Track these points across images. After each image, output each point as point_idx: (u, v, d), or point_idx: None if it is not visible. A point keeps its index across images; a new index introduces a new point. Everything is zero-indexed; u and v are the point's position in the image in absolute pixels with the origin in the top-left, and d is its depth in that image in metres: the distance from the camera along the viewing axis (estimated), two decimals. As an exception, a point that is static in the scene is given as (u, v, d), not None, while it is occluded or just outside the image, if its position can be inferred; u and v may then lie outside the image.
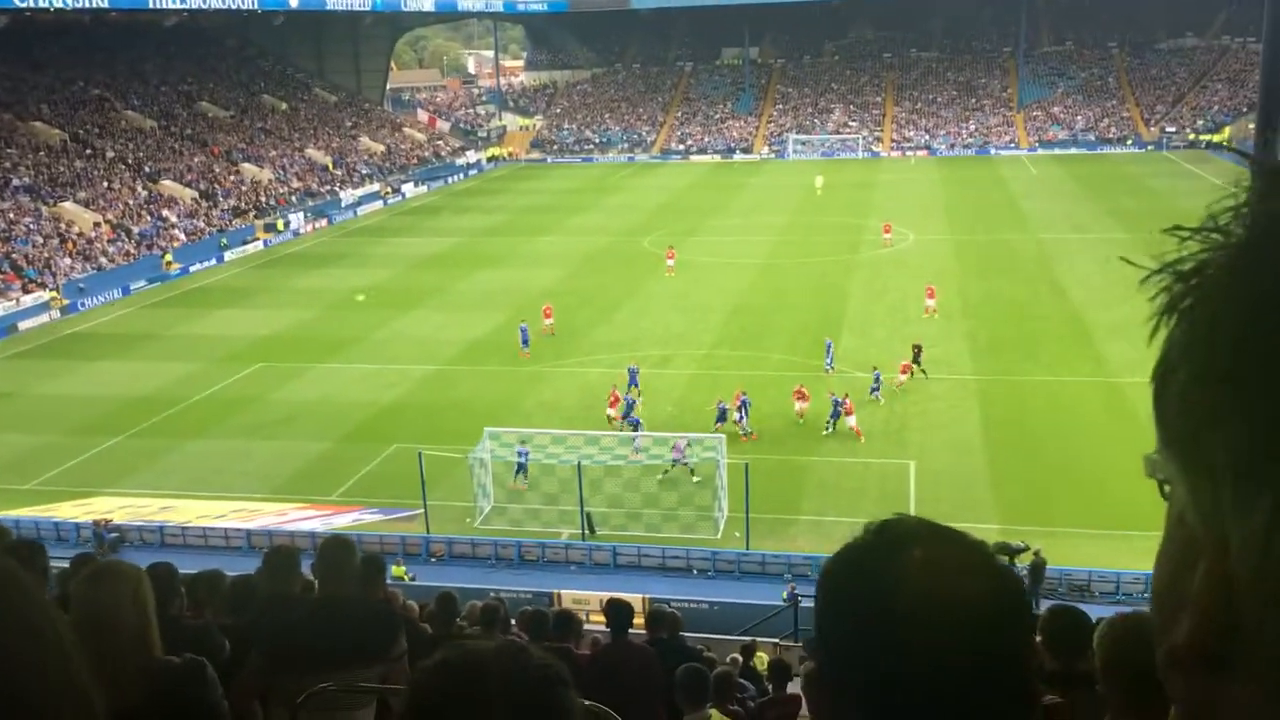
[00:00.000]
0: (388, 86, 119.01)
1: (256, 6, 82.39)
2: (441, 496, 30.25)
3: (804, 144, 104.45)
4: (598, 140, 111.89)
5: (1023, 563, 23.07)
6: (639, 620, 12.17)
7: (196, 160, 77.58)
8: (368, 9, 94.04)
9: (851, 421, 33.17)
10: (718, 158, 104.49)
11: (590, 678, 7.78)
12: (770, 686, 13.02)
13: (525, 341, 42.48)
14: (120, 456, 35.06)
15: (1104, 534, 27.14)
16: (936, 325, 44.01)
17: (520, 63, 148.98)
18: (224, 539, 29.14)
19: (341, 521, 29.67)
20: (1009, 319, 45.02)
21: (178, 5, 75.05)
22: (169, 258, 62.90)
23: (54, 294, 54.79)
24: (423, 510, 29.35)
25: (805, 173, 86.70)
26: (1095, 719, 3.84)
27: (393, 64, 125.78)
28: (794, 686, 12.70)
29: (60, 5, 66.18)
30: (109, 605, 3.73)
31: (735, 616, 23.14)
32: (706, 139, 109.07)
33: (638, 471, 31.74)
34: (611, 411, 34.55)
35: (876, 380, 36.06)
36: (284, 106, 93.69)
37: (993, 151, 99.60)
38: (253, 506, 31.39)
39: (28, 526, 28.12)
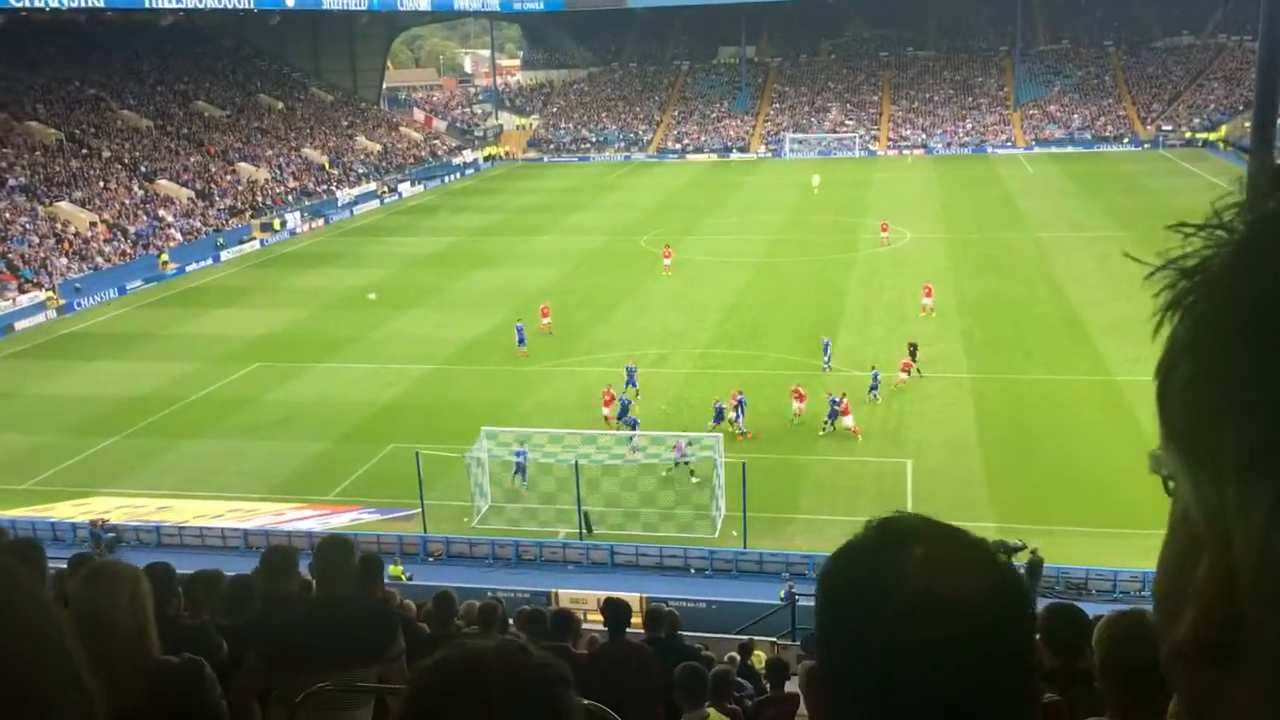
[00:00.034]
0: (384, 86, 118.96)
1: (253, 6, 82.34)
2: (439, 496, 30.25)
3: (801, 143, 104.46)
4: (594, 139, 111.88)
5: (1020, 561, 23.08)
6: (636, 619, 12.17)
7: (193, 160, 77.50)
8: (364, 8, 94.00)
9: (848, 421, 33.17)
10: (714, 157, 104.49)
11: (588, 677, 7.78)
12: (768, 685, 13.02)
13: (521, 340, 42.48)
14: (117, 456, 35.03)
15: (1101, 532, 27.18)
16: (933, 324, 44.03)
17: (517, 62, 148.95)
18: (221, 539, 29.12)
19: (339, 521, 29.66)
20: (1006, 317, 45.05)
21: (174, 5, 75.02)
22: (165, 257, 62.83)
23: (50, 294, 54.73)
24: (420, 510, 29.35)
25: (802, 171, 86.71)
26: (1093, 717, 3.84)
27: (389, 63, 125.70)
28: (791, 685, 12.70)
29: (56, 5, 66.13)
30: (106, 605, 3.72)
31: (733, 615, 23.15)
32: (703, 138, 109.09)
33: (635, 471, 31.73)
34: (606, 411, 34.55)
35: (875, 379, 36.04)
36: (280, 106, 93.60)
37: (989, 150, 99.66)
38: (249, 506, 31.37)
39: (24, 526, 28.07)
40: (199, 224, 69.36)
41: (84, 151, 71.87)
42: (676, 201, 78.76)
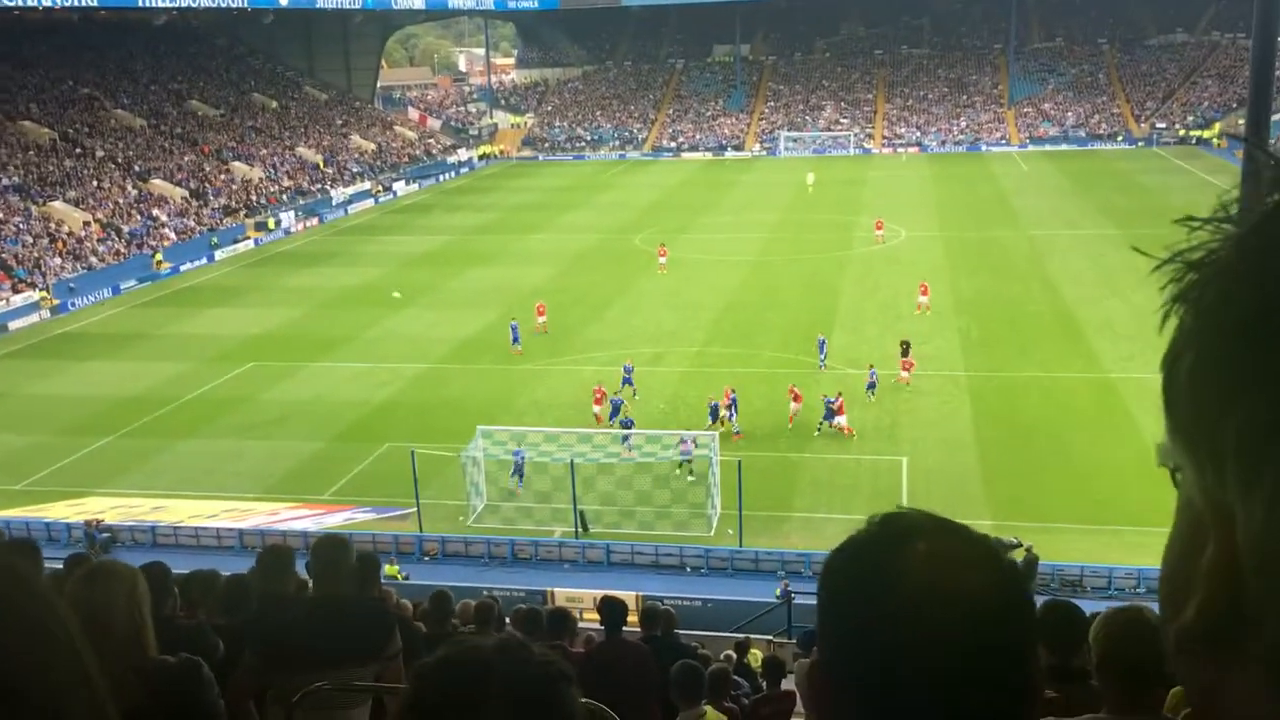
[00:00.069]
0: (378, 84, 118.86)
1: (246, 5, 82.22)
2: (434, 495, 30.23)
3: (795, 141, 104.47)
4: (589, 138, 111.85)
5: (1015, 559, 23.09)
6: (633, 618, 12.18)
7: (187, 159, 77.36)
8: (358, 7, 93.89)
9: (842, 420, 33.12)
10: (709, 155, 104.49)
11: (585, 675, 7.76)
12: (764, 683, 13.04)
13: (516, 339, 42.48)
14: (111, 456, 34.97)
15: (1096, 529, 27.24)
16: (929, 322, 44.07)
17: (511, 60, 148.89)
18: (216, 539, 29.08)
19: (334, 521, 29.62)
20: (1000, 315, 45.11)
21: (167, 4, 74.95)
22: (159, 257, 62.73)
23: (44, 294, 54.63)
24: (415, 509, 29.33)
25: (797, 170, 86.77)
26: (1090, 713, 3.85)
27: (383, 62, 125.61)
28: (788, 683, 12.72)
29: (49, 4, 66.02)
30: (103, 605, 3.72)
31: (729, 614, 23.13)
32: (698, 136, 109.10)
33: (631, 469, 31.74)
34: (597, 409, 34.55)
35: (872, 378, 35.98)
36: (274, 105, 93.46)
37: (984, 148, 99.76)
38: (245, 506, 31.33)
39: (18, 527, 28.05)
40: (193, 223, 69.24)
41: (78, 151, 71.72)
42: (671, 200, 78.76)
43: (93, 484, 32.93)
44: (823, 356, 38.97)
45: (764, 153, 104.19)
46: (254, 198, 75.87)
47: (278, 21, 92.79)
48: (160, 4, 74.67)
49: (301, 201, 78.84)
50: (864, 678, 1.17)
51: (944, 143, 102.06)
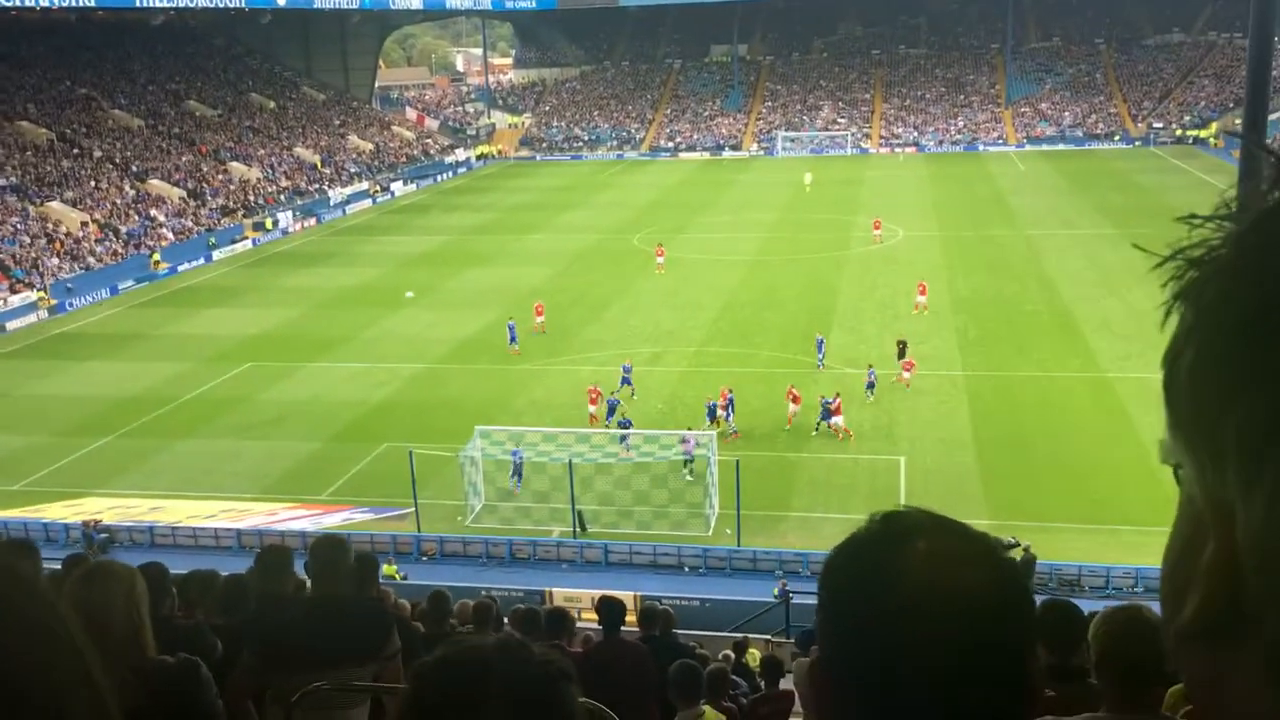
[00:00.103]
0: (376, 85, 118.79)
1: (244, 5, 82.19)
2: (432, 495, 30.21)
3: (793, 141, 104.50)
4: (587, 138, 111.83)
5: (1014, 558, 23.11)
6: (631, 618, 12.17)
7: (184, 159, 77.30)
8: (355, 7, 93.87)
9: (838, 421, 33.06)
10: (707, 155, 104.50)
11: (583, 675, 7.76)
12: (763, 683, 13.04)
13: (513, 339, 42.47)
14: (109, 457, 34.94)
15: (1093, 528, 27.26)
16: (927, 321, 44.08)
17: (509, 60, 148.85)
18: (214, 539, 29.06)
19: (332, 521, 29.60)
20: (998, 315, 45.13)
21: (165, 4, 74.87)
22: (157, 257, 62.69)
23: (41, 294, 54.58)
24: (413, 509, 29.32)
25: (794, 170, 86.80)
26: (1088, 712, 3.85)
27: (381, 62, 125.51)
28: (786, 683, 12.73)
29: (47, 4, 65.94)
30: (101, 606, 3.72)
31: (727, 613, 23.12)
32: (695, 136, 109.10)
33: (629, 469, 31.73)
34: (592, 409, 34.53)
35: (871, 378, 35.96)
36: (272, 105, 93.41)
37: (981, 148, 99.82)
38: (242, 506, 31.31)
39: (16, 527, 28.05)
40: (191, 223, 69.20)
41: (75, 151, 71.66)
42: (669, 200, 78.77)
43: (91, 484, 32.91)
44: (821, 356, 38.97)
45: (761, 152, 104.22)
46: (252, 198, 75.82)
47: (275, 21, 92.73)
48: (158, 4, 74.61)
49: (299, 202, 78.81)
50: (864, 675, 1.17)
51: (941, 142, 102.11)
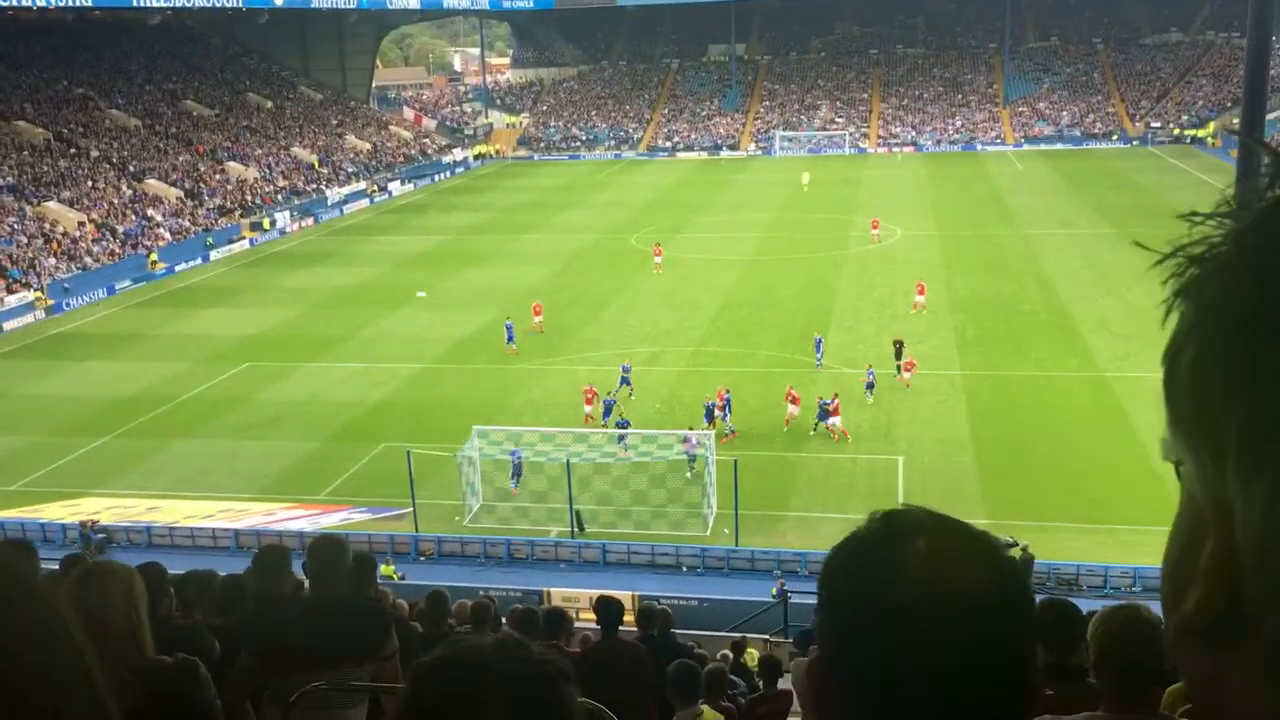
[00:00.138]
0: (373, 84, 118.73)
1: (241, 4, 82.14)
2: (430, 495, 30.20)
3: (791, 140, 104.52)
4: (584, 137, 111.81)
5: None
6: (629, 617, 12.17)
7: (181, 159, 77.24)
8: (353, 7, 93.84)
9: (836, 421, 33.01)
10: (704, 154, 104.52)
11: (581, 675, 7.77)
12: (761, 683, 13.04)
13: (510, 338, 42.46)
14: (107, 457, 34.91)
15: (1092, 528, 27.27)
16: (925, 321, 44.10)
17: (507, 60, 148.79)
18: (212, 539, 29.04)
19: (329, 521, 29.59)
20: (996, 314, 45.16)
21: (162, 4, 74.80)
22: (154, 257, 62.63)
23: (39, 294, 54.52)
24: (411, 509, 29.31)
25: (792, 169, 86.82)
26: (1087, 711, 3.85)
27: (378, 62, 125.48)
28: (784, 682, 12.73)
29: (44, 4, 65.87)
30: (99, 606, 3.72)
31: (725, 613, 23.13)
32: (693, 136, 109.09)
33: (626, 469, 31.74)
34: (588, 409, 34.51)
35: (870, 378, 35.93)
36: (269, 105, 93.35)
37: (979, 147, 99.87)
38: (240, 506, 31.29)
39: (14, 528, 28.03)
40: (188, 223, 69.14)
41: (72, 151, 71.59)
42: (667, 199, 78.77)
43: (88, 484, 32.88)
44: (819, 356, 38.96)
45: (759, 152, 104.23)
46: (249, 198, 75.77)
47: (273, 21, 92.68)
48: (154, 4, 74.54)
49: (296, 201, 78.77)
50: (864, 674, 1.17)
51: (939, 142, 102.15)
